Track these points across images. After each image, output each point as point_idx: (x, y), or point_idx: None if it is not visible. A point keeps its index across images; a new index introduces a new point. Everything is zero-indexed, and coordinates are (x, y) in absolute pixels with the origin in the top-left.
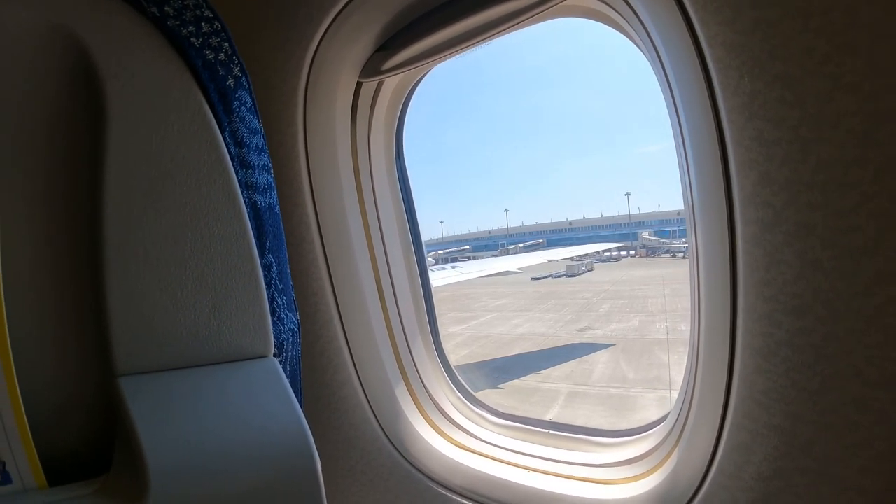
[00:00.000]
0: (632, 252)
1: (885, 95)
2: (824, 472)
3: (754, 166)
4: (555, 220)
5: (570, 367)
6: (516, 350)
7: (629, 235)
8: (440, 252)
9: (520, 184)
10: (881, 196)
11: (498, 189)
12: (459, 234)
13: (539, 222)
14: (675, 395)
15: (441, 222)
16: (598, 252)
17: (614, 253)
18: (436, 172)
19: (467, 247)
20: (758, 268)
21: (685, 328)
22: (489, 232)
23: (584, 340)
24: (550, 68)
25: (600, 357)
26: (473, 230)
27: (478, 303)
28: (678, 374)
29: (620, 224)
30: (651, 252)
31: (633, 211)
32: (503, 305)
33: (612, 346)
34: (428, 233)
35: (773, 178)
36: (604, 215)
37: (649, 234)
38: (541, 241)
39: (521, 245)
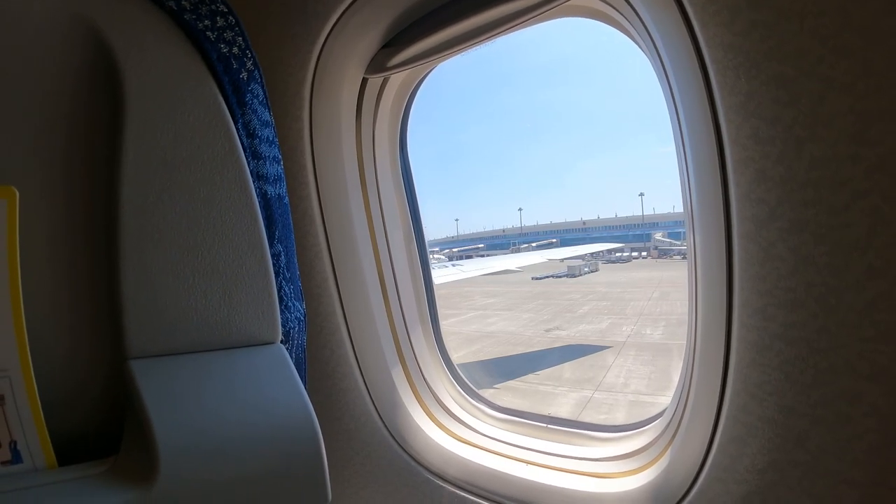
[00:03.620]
0: (644, 253)
1: (876, 96)
2: (817, 464)
3: (750, 164)
4: (569, 219)
5: (515, 365)
6: (475, 347)
7: (642, 236)
8: (455, 249)
9: (535, 183)
10: (873, 193)
11: (514, 188)
12: (475, 232)
13: (554, 221)
14: (597, 395)
15: (456, 220)
16: (609, 252)
17: (625, 254)
18: (452, 170)
19: (481, 245)
20: (753, 263)
21: (649, 332)
22: (503, 230)
23: (546, 340)
24: (571, 66)
25: (549, 357)
26: (489, 228)
27: (468, 301)
28: (613, 377)
29: (634, 225)
30: (663, 253)
31: (649, 212)
32: (490, 304)
33: (598, 349)
34: (443, 230)
35: (768, 176)
36: (618, 215)
37: (662, 236)
38: (554, 240)
39: (534, 244)
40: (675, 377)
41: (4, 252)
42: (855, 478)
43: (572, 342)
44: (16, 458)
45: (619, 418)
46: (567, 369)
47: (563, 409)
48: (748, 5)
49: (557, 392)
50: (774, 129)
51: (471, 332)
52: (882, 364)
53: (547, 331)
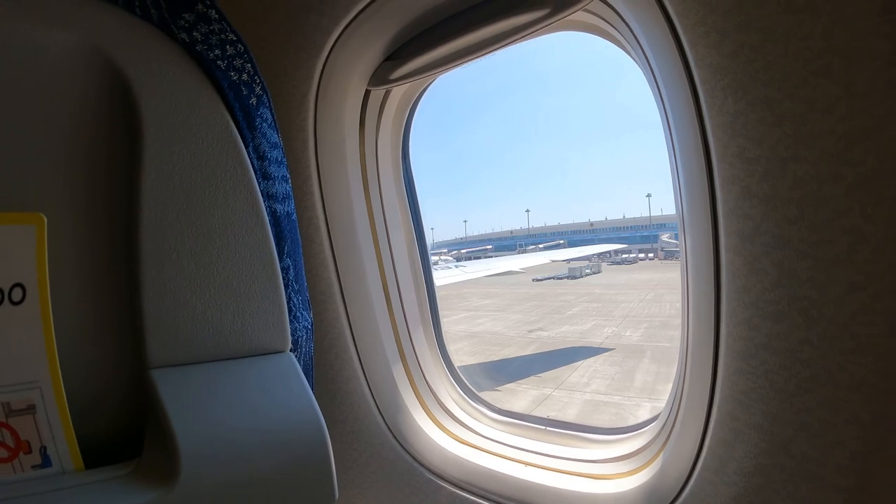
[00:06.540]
0: (650, 255)
1: (857, 117)
2: (802, 469)
3: (736, 181)
4: (577, 220)
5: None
6: (455, 346)
7: (649, 237)
8: (463, 251)
9: (544, 184)
10: (853, 212)
11: (522, 190)
12: (483, 233)
13: (562, 223)
14: (558, 393)
15: (465, 221)
16: (616, 253)
17: (631, 255)
18: (459, 172)
19: (490, 246)
20: (739, 275)
21: (629, 333)
22: (511, 232)
23: (526, 340)
24: (582, 70)
25: (526, 358)
26: (497, 230)
27: (465, 302)
28: (579, 377)
29: (641, 226)
30: (669, 255)
31: (657, 213)
32: (484, 305)
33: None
34: (452, 232)
35: (753, 193)
36: (626, 216)
37: (668, 237)
38: (561, 241)
39: (541, 245)
40: (638, 377)
41: (34, 273)
42: (838, 483)
43: (552, 343)
44: (46, 461)
45: (571, 414)
46: (536, 368)
47: (519, 405)
48: (736, 28)
49: (519, 389)
50: (760, 149)
51: (457, 332)
52: (861, 375)
53: (530, 332)
